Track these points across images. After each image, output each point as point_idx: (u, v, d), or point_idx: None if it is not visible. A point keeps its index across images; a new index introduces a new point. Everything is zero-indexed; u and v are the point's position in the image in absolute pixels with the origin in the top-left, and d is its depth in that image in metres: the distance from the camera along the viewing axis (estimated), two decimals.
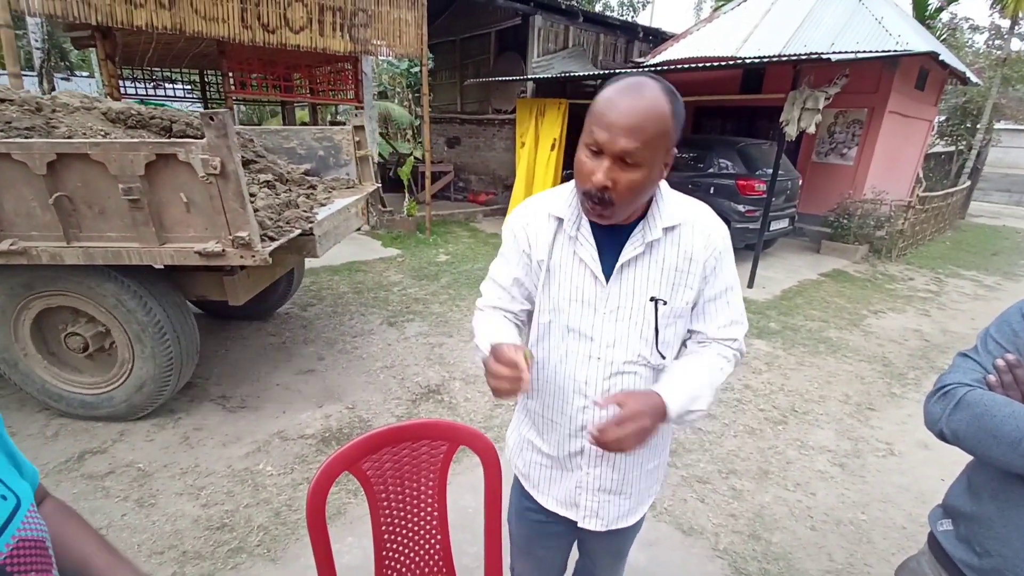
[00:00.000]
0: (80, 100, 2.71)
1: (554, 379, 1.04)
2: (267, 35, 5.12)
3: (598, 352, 0.99)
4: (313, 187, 3.25)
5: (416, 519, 1.25)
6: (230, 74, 6.05)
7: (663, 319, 0.97)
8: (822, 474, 2.57)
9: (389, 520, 1.21)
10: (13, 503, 0.43)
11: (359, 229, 7.20)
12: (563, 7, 8.42)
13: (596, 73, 7.65)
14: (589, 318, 0.99)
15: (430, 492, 1.24)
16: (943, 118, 12.79)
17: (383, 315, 4.26)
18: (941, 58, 7.25)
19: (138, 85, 8.53)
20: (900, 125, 8.09)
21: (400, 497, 1.22)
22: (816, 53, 5.33)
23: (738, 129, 8.63)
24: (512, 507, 1.27)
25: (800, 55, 5.42)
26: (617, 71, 7.80)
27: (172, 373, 2.53)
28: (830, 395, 3.39)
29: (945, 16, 13.34)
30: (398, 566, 1.24)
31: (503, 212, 8.41)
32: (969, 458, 0.96)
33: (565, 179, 7.49)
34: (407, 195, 7.79)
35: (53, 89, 8.00)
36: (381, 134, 9.94)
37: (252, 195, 2.54)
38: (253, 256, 2.17)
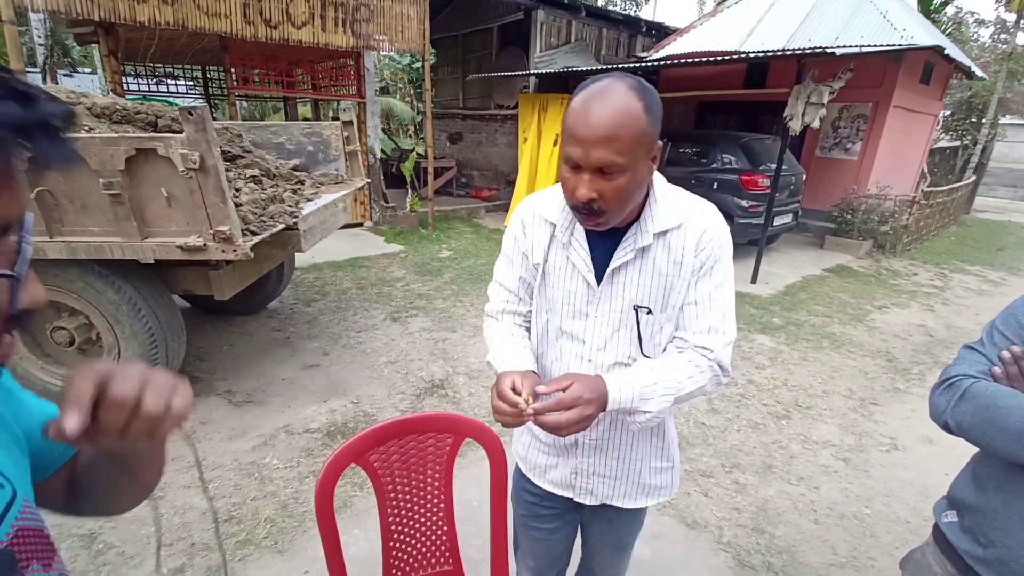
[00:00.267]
0: (66, 95, 2.71)
1: (551, 374, 1.06)
2: (269, 30, 5.12)
3: (589, 355, 1.00)
4: (301, 182, 3.24)
5: (423, 510, 1.26)
6: (232, 70, 6.05)
7: (647, 327, 0.96)
8: (826, 468, 2.58)
9: (396, 511, 1.22)
10: (10, 493, 0.44)
11: (361, 225, 7.24)
12: (565, 2, 8.39)
13: (598, 68, 7.63)
14: (581, 321, 1.00)
15: (436, 484, 1.25)
16: (948, 113, 12.72)
17: (387, 310, 4.28)
18: (946, 52, 7.20)
19: (141, 82, 8.52)
20: (905, 120, 8.04)
21: (407, 489, 1.23)
22: (820, 47, 5.30)
23: (741, 124, 8.59)
24: (512, 487, 1.29)
25: (804, 49, 5.39)
26: (610, 67, 7.78)
27: (158, 351, 2.53)
28: (834, 390, 3.39)
29: (950, 10, 13.24)
30: (405, 556, 1.25)
31: (506, 208, 8.41)
32: (974, 451, 0.97)
33: None
34: (409, 191, 7.79)
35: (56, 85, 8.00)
36: (383, 130, 9.93)
37: (237, 190, 2.55)
38: (235, 250, 2.19)
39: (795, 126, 4.99)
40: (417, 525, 1.26)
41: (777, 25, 8.03)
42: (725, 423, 2.93)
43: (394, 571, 1.23)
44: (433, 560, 1.29)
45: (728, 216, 6.25)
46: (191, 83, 10.72)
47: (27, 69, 4.41)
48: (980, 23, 16.18)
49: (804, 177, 7.06)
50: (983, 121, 11.90)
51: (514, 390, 0.86)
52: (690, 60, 6.72)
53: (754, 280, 5.60)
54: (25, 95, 0.31)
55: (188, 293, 2.76)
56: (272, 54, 6.21)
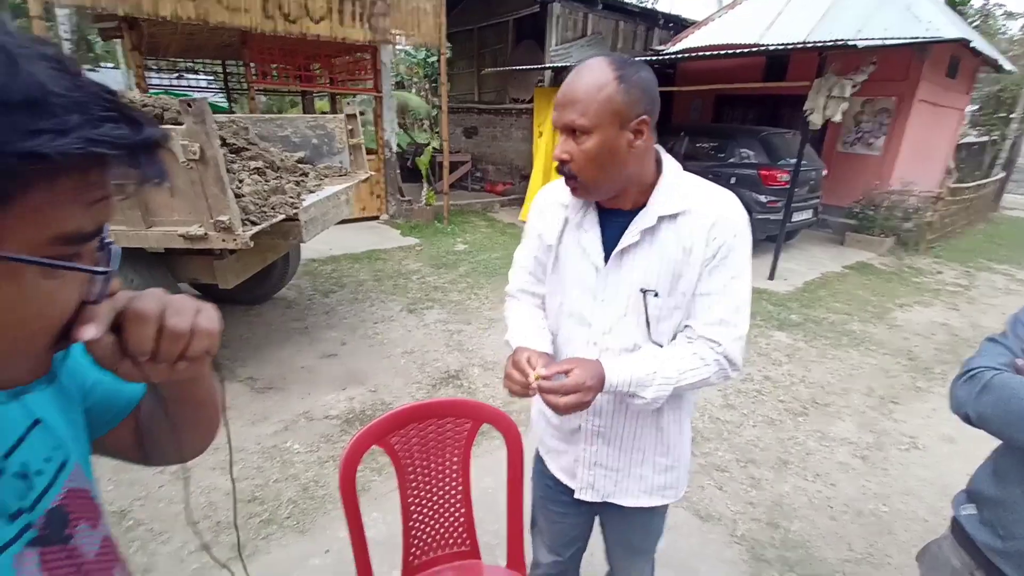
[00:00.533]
0: None
1: (562, 357, 1.07)
2: (288, 25, 5.18)
3: (596, 338, 1.01)
4: (305, 174, 3.29)
5: (441, 492, 1.29)
6: (252, 64, 6.13)
7: (655, 311, 0.96)
8: (843, 465, 2.56)
9: (415, 493, 1.25)
10: (63, 456, 0.47)
11: (377, 218, 7.30)
12: None
13: None
14: (588, 304, 1.01)
15: (454, 467, 1.28)
16: (976, 107, 12.36)
17: (403, 302, 4.32)
18: (973, 45, 7.00)
19: (162, 76, 8.69)
20: (930, 114, 7.84)
21: (426, 471, 1.26)
22: (842, 40, 5.19)
23: (761, 118, 8.45)
24: (533, 468, 1.31)
25: (826, 42, 5.29)
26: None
27: None
28: (852, 388, 3.35)
29: (977, 2, 12.85)
30: (424, 536, 1.28)
31: (520, 202, 8.40)
32: (996, 446, 0.96)
33: None
34: (425, 185, 7.83)
35: None
36: (399, 124, 9.99)
37: (240, 181, 2.60)
38: (235, 239, 2.24)
39: (816, 120, 4.91)
40: (435, 507, 1.29)
41: (798, 17, 7.88)
42: (740, 418, 2.92)
43: (413, 549, 1.27)
44: (451, 541, 1.32)
45: (746, 211, 6.16)
46: (211, 78, 10.89)
47: None
48: (1009, 15, 15.68)
49: (825, 172, 6.94)
50: (1012, 116, 11.55)
51: (529, 363, 0.92)
52: (708, 53, 6.63)
53: (772, 276, 5.53)
54: (133, 119, 0.34)
55: (195, 281, 2.83)
56: (291, 48, 6.28)
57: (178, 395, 0.54)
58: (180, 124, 2.18)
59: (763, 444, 2.69)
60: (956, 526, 1.00)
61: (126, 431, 0.61)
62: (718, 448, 2.64)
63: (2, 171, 0.29)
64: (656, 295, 0.95)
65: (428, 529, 1.29)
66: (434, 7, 6.16)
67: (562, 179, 1.05)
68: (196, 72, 10.07)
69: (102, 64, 18.32)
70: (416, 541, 1.28)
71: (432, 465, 1.26)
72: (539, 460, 1.25)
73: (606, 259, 0.98)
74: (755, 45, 7.33)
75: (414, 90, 16.94)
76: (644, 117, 0.87)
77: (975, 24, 11.97)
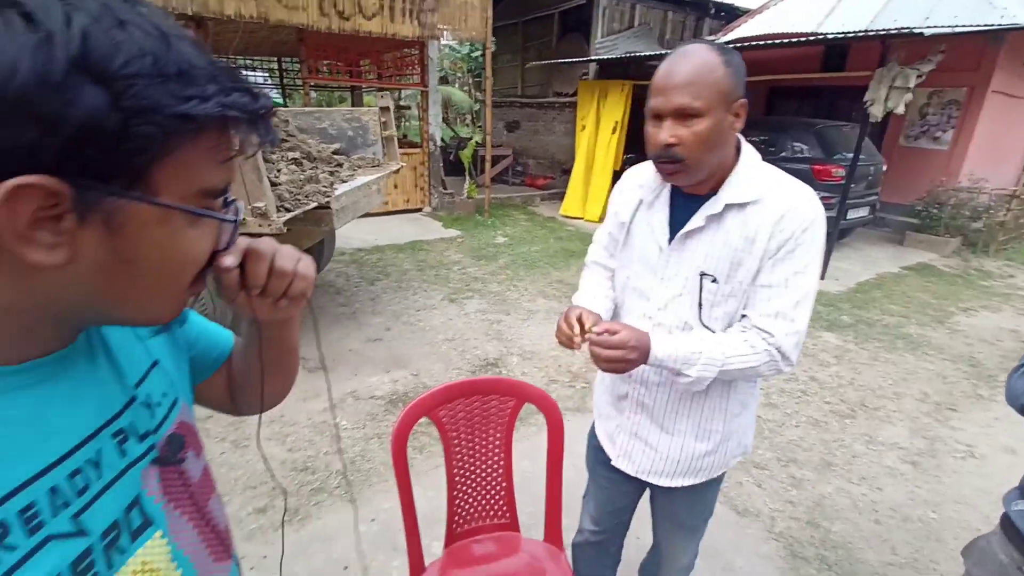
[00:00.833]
0: None
1: None
2: (342, 22, 5.37)
3: (651, 313, 1.06)
4: (339, 165, 3.42)
5: (484, 466, 1.36)
6: (306, 61, 6.39)
7: (708, 295, 0.99)
8: (891, 470, 2.47)
9: (460, 465, 1.33)
10: (175, 395, 0.55)
11: (420, 210, 7.49)
12: None
13: (662, 52, 7.42)
14: (650, 280, 1.06)
15: (497, 442, 1.35)
16: None
17: (444, 292, 4.44)
18: None
19: None
20: (1005, 106, 7.26)
21: (471, 444, 1.33)
22: (907, 27, 4.90)
23: (816, 111, 8.08)
24: (589, 433, 1.37)
25: (889, 30, 5.01)
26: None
27: (206, 308, 2.76)
28: (906, 392, 3.21)
29: None
30: (467, 507, 1.36)
31: (560, 196, 8.39)
32: None
33: (626, 163, 7.36)
34: (467, 178, 7.95)
35: None
36: (443, 119, 10.15)
37: (278, 170, 2.75)
38: (270, 224, 2.39)
39: (876, 112, 4.67)
40: (478, 479, 1.36)
41: (860, 4, 7.47)
42: (783, 418, 2.86)
43: (456, 518, 1.35)
44: (492, 513, 1.39)
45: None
46: (267, 74, 11.41)
47: None
48: None
49: (884, 168, 6.58)
50: None
51: (579, 320, 0.98)
52: (761, 43, 6.40)
53: (822, 275, 5.31)
54: (252, 90, 0.40)
55: None
56: (343, 45, 6.50)
57: (273, 336, 0.63)
58: None
59: (806, 445, 2.63)
60: (1006, 522, 0.98)
61: (220, 380, 0.70)
62: (758, 446, 2.60)
63: (163, 130, 0.35)
64: (714, 280, 0.98)
65: (471, 500, 1.36)
66: (481, 2, 6.24)
67: (645, 164, 1.09)
68: (254, 69, 10.58)
69: None
70: (459, 510, 1.35)
71: (476, 439, 1.33)
72: (593, 425, 1.33)
73: (671, 240, 1.02)
74: (813, 34, 7.01)
75: (457, 85, 17.13)
76: (743, 100, 0.91)
77: None
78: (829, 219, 5.48)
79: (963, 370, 3.55)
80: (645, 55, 7.45)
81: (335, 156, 3.55)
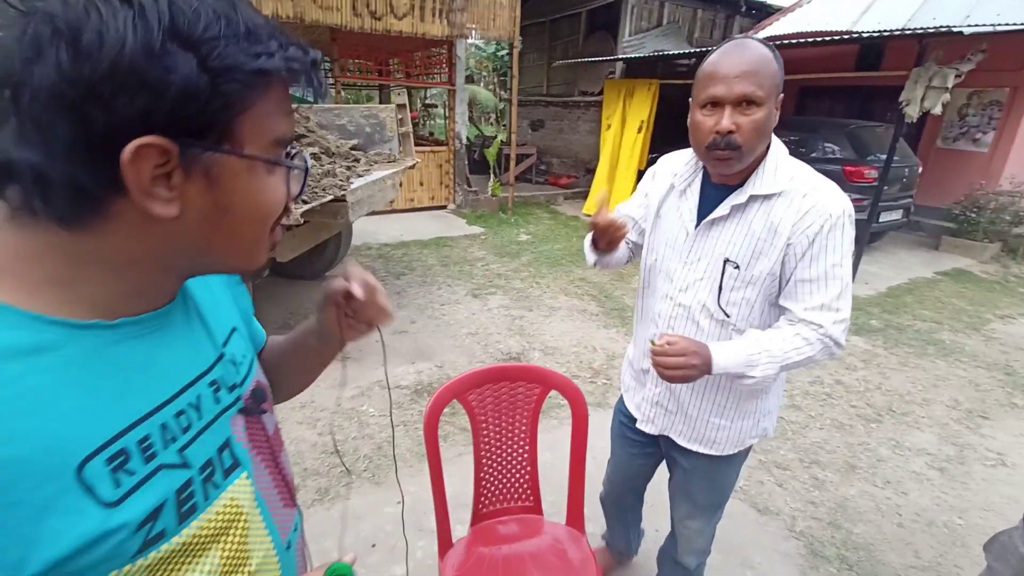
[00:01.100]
0: None
1: (645, 307, 1.24)
2: (374, 22, 5.49)
3: (672, 293, 1.13)
4: (357, 160, 3.51)
5: (510, 449, 1.42)
6: (338, 60, 6.56)
7: (729, 280, 1.05)
8: (917, 475, 2.44)
9: (488, 447, 1.39)
10: (251, 358, 0.62)
11: (445, 208, 7.59)
12: None
13: (690, 51, 7.34)
14: (674, 263, 1.12)
15: (523, 427, 1.41)
16: None
17: (468, 287, 4.52)
18: None
19: None
20: None
21: (498, 428, 1.39)
22: (946, 26, 4.76)
23: (850, 111, 7.89)
24: (616, 405, 1.47)
25: (926, 28, 4.87)
26: (703, 50, 7.44)
27: None
28: (936, 399, 3.15)
29: None
30: (493, 488, 1.42)
31: (584, 196, 8.39)
32: None
33: (650, 163, 7.31)
34: (491, 176, 8.02)
35: None
36: (468, 117, 10.25)
37: None
38: (287, 215, 2.47)
39: (912, 112, 4.55)
40: (504, 462, 1.42)
41: (897, 1, 7.25)
42: (807, 420, 2.84)
43: (482, 498, 1.41)
44: (516, 495, 1.45)
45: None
46: None
47: None
48: None
49: (920, 170, 6.40)
50: None
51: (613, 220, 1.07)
52: (794, 41, 6.29)
53: (852, 279, 5.21)
54: (303, 45, 0.43)
55: None
56: (374, 44, 6.64)
57: (331, 350, 0.72)
58: None
59: (830, 447, 2.62)
60: None
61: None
62: (780, 447, 2.59)
63: (243, 85, 0.38)
64: (736, 267, 1.04)
65: (496, 482, 1.42)
66: (510, 1, 6.29)
67: (681, 152, 1.15)
68: None
69: None
70: (485, 491, 1.41)
71: (504, 424, 1.39)
72: (620, 399, 1.42)
73: (697, 226, 1.09)
74: (847, 32, 6.85)
75: (482, 83, 17.25)
76: (782, 95, 0.98)
77: None
78: (860, 222, 5.40)
79: (998, 378, 3.45)
80: (673, 54, 7.40)
81: (352, 152, 3.66)
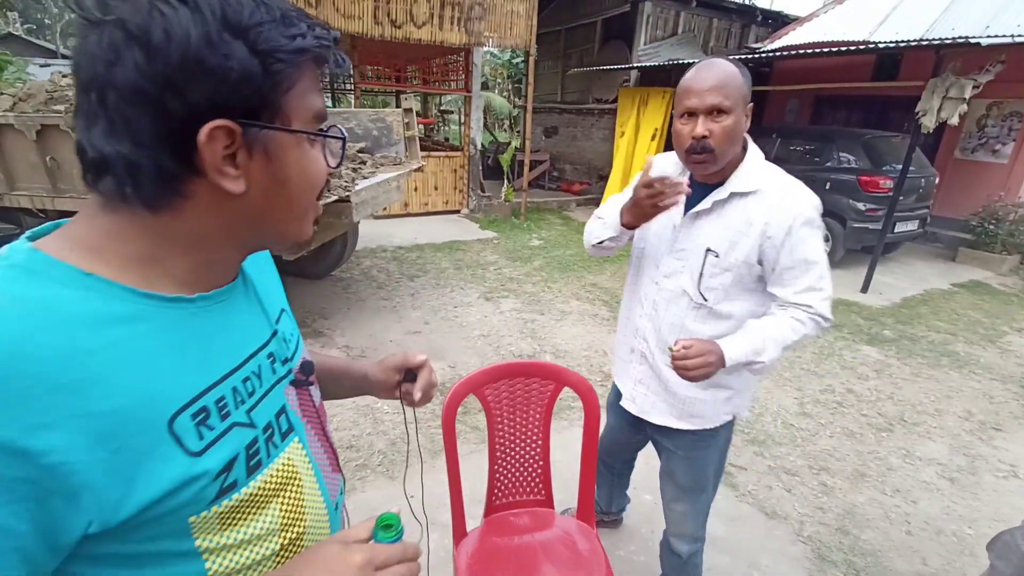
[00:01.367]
0: None
1: (632, 290, 1.36)
2: (394, 30, 5.62)
3: (657, 278, 1.27)
4: (363, 162, 3.60)
5: (523, 444, 1.47)
6: (358, 67, 6.70)
7: (709, 267, 1.18)
8: (927, 485, 2.44)
9: (502, 441, 1.45)
10: (298, 337, 0.68)
11: (458, 212, 7.69)
12: None
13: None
14: (661, 252, 1.26)
15: (537, 423, 1.46)
16: None
17: (480, 290, 4.59)
18: None
19: None
20: None
21: (512, 423, 1.44)
22: (963, 37, 4.75)
23: (866, 121, 7.86)
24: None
25: (943, 39, 4.86)
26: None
27: None
28: (948, 409, 3.13)
29: None
30: (506, 482, 1.47)
31: (596, 202, 8.44)
32: None
33: None
34: (505, 182, 8.11)
35: None
36: (483, 123, 10.37)
37: None
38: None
39: (928, 122, 4.54)
40: (518, 456, 1.47)
41: (916, 11, 7.23)
42: (817, 427, 2.85)
43: (496, 491, 1.46)
44: (529, 488, 1.50)
45: (840, 219, 5.80)
46: None
47: None
48: None
49: (936, 180, 6.35)
50: None
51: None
52: (811, 51, 6.30)
53: (865, 289, 5.19)
54: (324, 26, 0.47)
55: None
56: (393, 51, 6.78)
57: (351, 394, 0.86)
58: None
59: (839, 455, 2.62)
60: None
61: None
62: (790, 453, 2.61)
63: (288, 65, 0.43)
64: (716, 255, 1.17)
65: (510, 475, 1.48)
66: (527, 10, 6.39)
67: (669, 154, 1.28)
68: None
69: None
70: (499, 484, 1.47)
71: (518, 419, 1.44)
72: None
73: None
74: (864, 42, 6.85)
75: (496, 90, 17.42)
76: (751, 103, 1.13)
77: None
78: (874, 231, 5.38)
79: (1012, 391, 3.43)
80: (688, 62, 7.43)
81: (359, 154, 3.76)
